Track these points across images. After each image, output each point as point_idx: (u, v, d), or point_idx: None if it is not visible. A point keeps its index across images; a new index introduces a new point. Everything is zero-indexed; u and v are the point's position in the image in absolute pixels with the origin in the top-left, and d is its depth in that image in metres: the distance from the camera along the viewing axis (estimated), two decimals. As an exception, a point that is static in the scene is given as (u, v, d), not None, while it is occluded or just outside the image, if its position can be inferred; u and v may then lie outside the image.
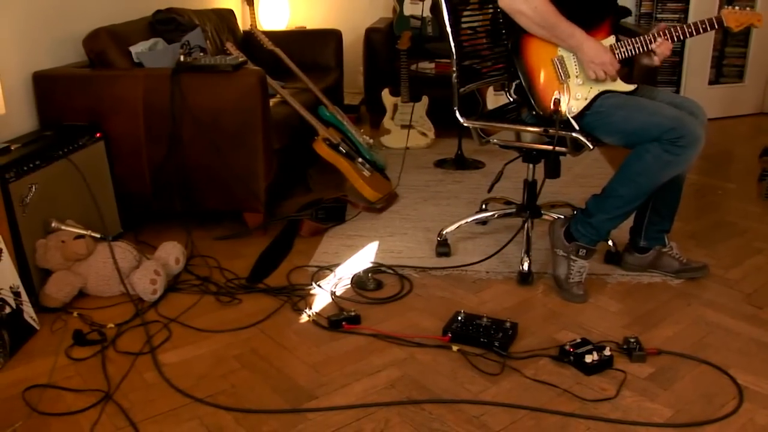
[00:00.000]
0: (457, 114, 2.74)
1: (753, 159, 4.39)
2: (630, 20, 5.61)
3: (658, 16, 5.48)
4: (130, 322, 2.44)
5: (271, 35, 4.27)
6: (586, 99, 2.50)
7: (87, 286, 2.61)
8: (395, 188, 3.79)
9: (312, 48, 4.84)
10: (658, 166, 2.40)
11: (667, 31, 2.46)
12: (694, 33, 2.45)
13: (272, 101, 3.34)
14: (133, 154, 3.08)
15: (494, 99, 4.39)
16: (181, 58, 3.04)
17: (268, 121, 3.09)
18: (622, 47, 2.50)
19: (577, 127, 2.50)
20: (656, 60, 2.51)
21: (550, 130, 2.54)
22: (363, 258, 2.97)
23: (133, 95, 3.01)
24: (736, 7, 2.48)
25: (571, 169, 4.10)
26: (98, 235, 2.65)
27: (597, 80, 2.49)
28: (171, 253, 2.76)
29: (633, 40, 2.50)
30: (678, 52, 5.40)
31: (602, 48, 2.47)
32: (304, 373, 2.14)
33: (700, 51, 5.40)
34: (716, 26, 2.44)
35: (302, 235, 3.18)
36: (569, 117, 2.50)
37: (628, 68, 2.70)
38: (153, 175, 3.10)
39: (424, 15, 5.25)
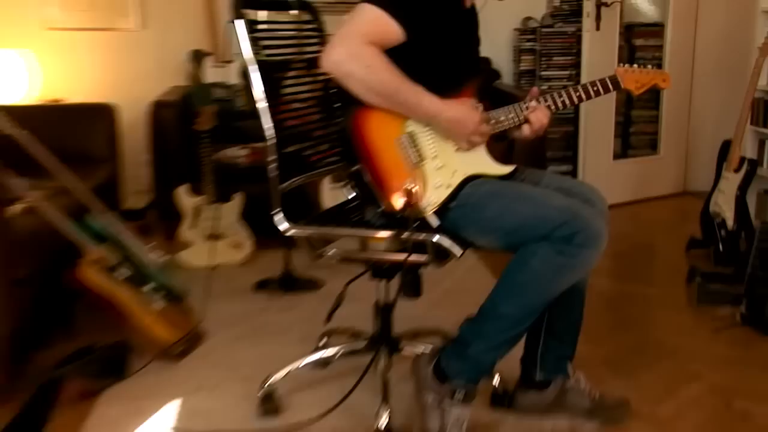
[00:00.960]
0: (279, 219, 2.76)
1: (678, 253, 4.63)
2: (508, 80, 5.92)
3: (542, 74, 5.77)
4: None
5: (12, 111, 4.19)
6: (449, 187, 2.55)
7: None
8: (200, 324, 3.77)
9: (74, 130, 4.81)
10: (550, 273, 2.48)
11: (549, 98, 2.59)
12: (584, 98, 2.58)
13: (13, 210, 3.28)
14: None
15: (331, 195, 4.47)
16: None
17: (6, 239, 3.04)
18: (492, 119, 2.61)
19: (437, 225, 2.54)
20: (527, 131, 2.62)
21: (403, 234, 2.58)
22: (158, 427, 2.92)
23: None
24: (634, 66, 2.66)
25: (440, 283, 4.20)
26: None
27: (465, 153, 2.57)
28: None
29: (507, 109, 2.61)
30: (572, 119, 5.68)
31: (465, 109, 2.54)
32: None
33: (599, 116, 5.68)
34: (612, 88, 2.59)
35: (65, 401, 3.09)
36: (426, 214, 2.54)
37: (504, 144, 2.78)
38: None
39: (233, 83, 5.34)
